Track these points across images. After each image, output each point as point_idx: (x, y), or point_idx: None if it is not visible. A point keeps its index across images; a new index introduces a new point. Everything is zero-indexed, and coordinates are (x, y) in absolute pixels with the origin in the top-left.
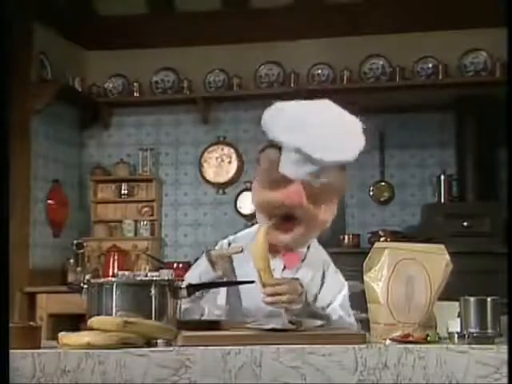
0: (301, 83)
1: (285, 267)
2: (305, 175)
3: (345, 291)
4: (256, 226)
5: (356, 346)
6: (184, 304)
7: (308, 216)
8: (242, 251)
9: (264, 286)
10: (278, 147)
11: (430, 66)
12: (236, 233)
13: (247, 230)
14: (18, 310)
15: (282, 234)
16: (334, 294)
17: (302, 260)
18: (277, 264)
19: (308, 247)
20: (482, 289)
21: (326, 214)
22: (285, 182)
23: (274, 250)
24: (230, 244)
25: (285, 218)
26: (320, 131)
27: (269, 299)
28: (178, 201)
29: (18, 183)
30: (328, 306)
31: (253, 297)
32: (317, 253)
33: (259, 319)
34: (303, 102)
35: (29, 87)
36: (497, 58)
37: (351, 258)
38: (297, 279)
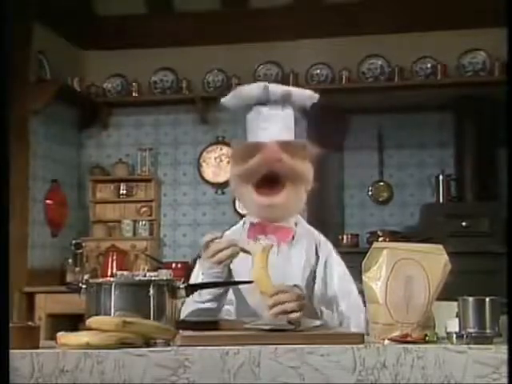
0: (300, 83)
1: (279, 244)
2: (277, 132)
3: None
4: (240, 222)
5: (354, 345)
6: (205, 303)
7: (290, 171)
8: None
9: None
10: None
11: (429, 65)
12: (225, 231)
13: (234, 228)
14: (16, 309)
15: (272, 196)
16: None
17: (293, 237)
18: (271, 241)
19: (295, 224)
20: (481, 289)
21: (306, 169)
22: (258, 147)
23: (263, 231)
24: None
25: (269, 181)
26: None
27: (275, 310)
28: (176, 201)
29: (16, 183)
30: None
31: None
32: (305, 228)
33: (260, 317)
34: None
35: (27, 87)
36: (496, 57)
37: (350, 257)
38: (296, 286)
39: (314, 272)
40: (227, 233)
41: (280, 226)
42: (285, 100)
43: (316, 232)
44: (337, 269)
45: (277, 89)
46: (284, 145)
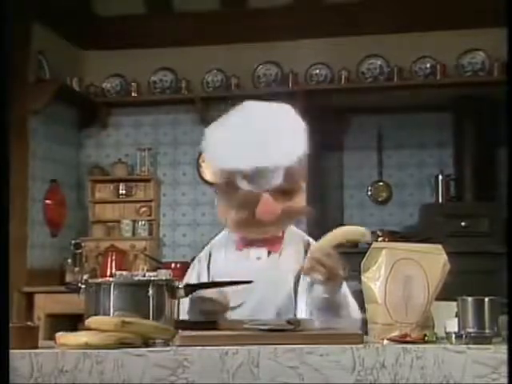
0: (299, 83)
1: (269, 252)
2: (265, 183)
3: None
4: (225, 233)
5: (354, 345)
6: None
7: (285, 216)
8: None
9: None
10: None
11: (428, 66)
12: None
13: (219, 237)
14: (15, 309)
15: (266, 227)
16: None
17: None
18: (261, 253)
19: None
20: (480, 289)
21: (300, 202)
22: (250, 196)
23: (252, 242)
24: (210, 254)
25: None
26: (262, 137)
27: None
28: (176, 201)
29: (15, 183)
30: None
31: None
32: (292, 231)
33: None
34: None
35: (27, 87)
36: (495, 58)
37: (349, 257)
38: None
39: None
40: (213, 242)
41: (268, 239)
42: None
43: (303, 234)
44: None
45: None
46: (275, 193)
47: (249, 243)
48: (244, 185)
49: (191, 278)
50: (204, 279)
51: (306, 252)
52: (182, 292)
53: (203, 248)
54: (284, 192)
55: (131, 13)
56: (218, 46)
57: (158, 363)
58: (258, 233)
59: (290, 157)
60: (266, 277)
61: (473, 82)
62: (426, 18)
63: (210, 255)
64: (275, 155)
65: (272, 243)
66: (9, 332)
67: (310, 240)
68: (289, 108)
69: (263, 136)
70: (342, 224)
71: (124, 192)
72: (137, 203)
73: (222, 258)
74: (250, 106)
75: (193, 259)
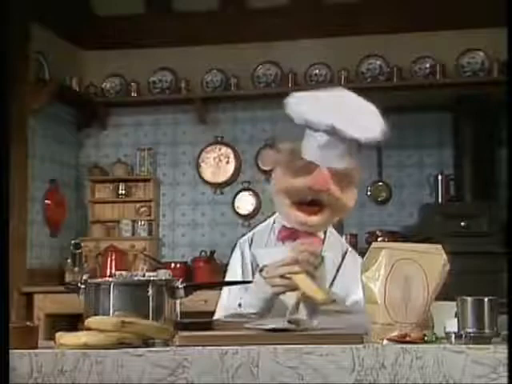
0: (298, 83)
1: None
2: (331, 159)
3: None
4: (270, 219)
5: (353, 346)
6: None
7: (334, 200)
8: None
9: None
10: (277, 147)
11: (428, 66)
12: (253, 228)
13: (262, 225)
14: (15, 310)
15: (308, 215)
16: (353, 282)
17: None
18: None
19: (325, 232)
20: (480, 289)
21: (349, 198)
22: (309, 167)
23: (295, 236)
24: (252, 241)
25: (310, 203)
26: (347, 111)
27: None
28: (175, 201)
29: (15, 183)
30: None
31: None
32: (334, 235)
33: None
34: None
35: (26, 87)
36: (494, 58)
37: None
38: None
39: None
40: (258, 228)
41: (311, 234)
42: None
43: (343, 241)
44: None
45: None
46: (335, 174)
47: (289, 235)
48: (310, 154)
49: (235, 261)
50: (247, 263)
51: (343, 256)
52: (181, 292)
53: (203, 248)
54: (339, 180)
55: (131, 13)
56: (217, 46)
57: (158, 363)
58: (301, 218)
59: (369, 132)
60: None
61: (472, 82)
62: (426, 18)
63: (252, 241)
64: (356, 126)
65: (311, 241)
66: (9, 332)
67: (349, 249)
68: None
69: (348, 108)
70: (341, 224)
71: (123, 192)
72: (136, 203)
73: (261, 247)
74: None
75: (192, 259)
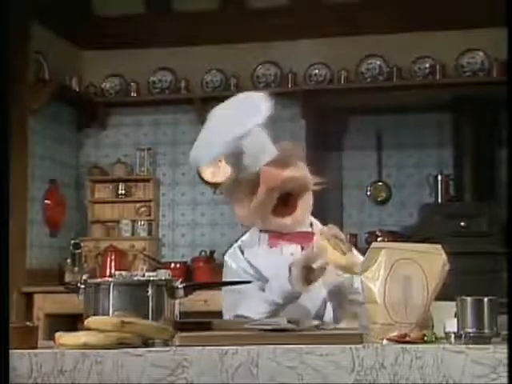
0: (298, 83)
1: (303, 248)
2: (258, 157)
3: None
4: (255, 231)
5: (353, 345)
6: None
7: (294, 181)
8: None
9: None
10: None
11: (427, 66)
12: (241, 236)
13: (248, 235)
14: (14, 310)
15: (283, 217)
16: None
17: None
18: (294, 249)
19: (311, 225)
20: (479, 289)
21: (304, 173)
22: (254, 179)
23: (286, 239)
24: (241, 249)
25: (283, 201)
26: (227, 120)
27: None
28: (175, 201)
29: (15, 183)
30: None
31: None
32: (318, 227)
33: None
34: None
35: (26, 87)
36: (494, 57)
37: None
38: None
39: None
40: (244, 238)
41: (297, 232)
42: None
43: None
44: None
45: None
46: (277, 162)
47: (280, 239)
48: (241, 171)
49: (232, 273)
50: (248, 271)
51: None
52: (181, 292)
53: (203, 248)
54: (280, 165)
55: (130, 13)
56: (217, 46)
57: (157, 363)
58: (277, 222)
59: (259, 114)
60: None
61: (472, 82)
62: (425, 18)
63: (242, 253)
64: (237, 126)
65: (303, 238)
66: (9, 332)
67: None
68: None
69: (225, 121)
70: (341, 224)
71: (123, 192)
72: (136, 203)
73: (255, 256)
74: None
75: (192, 259)
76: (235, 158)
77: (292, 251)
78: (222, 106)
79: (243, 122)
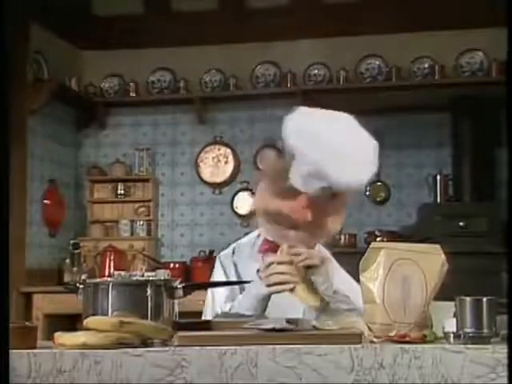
0: (297, 83)
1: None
2: (315, 190)
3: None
4: (254, 233)
5: (352, 345)
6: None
7: (312, 228)
8: None
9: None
10: (277, 148)
11: (427, 66)
12: (236, 240)
13: (248, 237)
14: (14, 309)
15: (288, 229)
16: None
17: None
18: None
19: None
20: (478, 289)
21: (334, 223)
22: (293, 192)
23: (276, 249)
24: (234, 251)
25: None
26: (337, 149)
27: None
28: (174, 201)
29: (14, 183)
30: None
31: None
32: (319, 251)
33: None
34: (324, 112)
35: (25, 87)
36: (493, 58)
37: (347, 257)
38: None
39: None
40: (243, 240)
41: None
42: None
43: (327, 253)
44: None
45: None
46: (317, 202)
47: (273, 249)
48: (295, 179)
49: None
50: (232, 276)
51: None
52: (180, 292)
53: (202, 248)
54: (326, 206)
55: (130, 13)
56: (216, 46)
57: (156, 363)
58: (283, 236)
59: (359, 178)
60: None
61: (471, 82)
62: (425, 19)
63: (233, 252)
64: (346, 175)
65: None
66: (8, 332)
67: (328, 256)
68: (354, 121)
69: (341, 150)
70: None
71: (122, 192)
72: (135, 203)
73: (244, 259)
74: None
75: (191, 259)
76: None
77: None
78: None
79: (355, 173)
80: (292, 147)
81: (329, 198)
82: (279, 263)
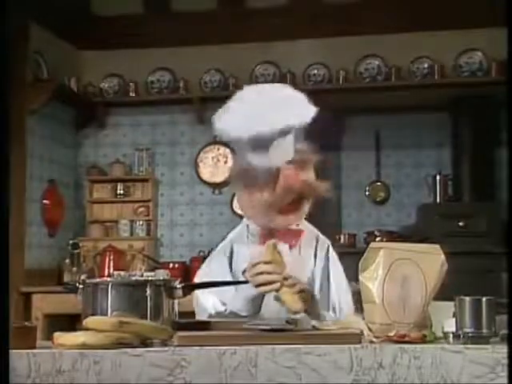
0: (297, 83)
1: (290, 247)
2: (281, 155)
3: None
4: (243, 227)
5: (351, 345)
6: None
7: (308, 187)
8: None
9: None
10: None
11: (426, 66)
12: (228, 233)
13: (236, 231)
14: (13, 310)
15: (286, 215)
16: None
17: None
18: (283, 248)
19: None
20: (478, 289)
21: (315, 180)
22: (270, 175)
23: (273, 236)
24: (232, 250)
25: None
26: (270, 107)
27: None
28: (173, 201)
29: (13, 183)
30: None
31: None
32: (305, 226)
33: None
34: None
35: (24, 87)
36: (492, 58)
37: (347, 257)
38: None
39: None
40: (230, 235)
41: (288, 229)
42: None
43: (313, 228)
44: (333, 269)
45: (273, 127)
46: (295, 164)
47: (271, 235)
48: (256, 160)
49: (211, 271)
50: (226, 273)
51: (315, 249)
52: (179, 292)
53: (201, 248)
54: (298, 167)
55: (129, 13)
56: (215, 46)
57: (156, 363)
58: (280, 220)
59: (299, 118)
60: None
61: (470, 82)
62: (424, 19)
63: (232, 250)
64: (282, 119)
65: (291, 237)
66: (9, 332)
67: (321, 237)
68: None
69: (269, 105)
70: (340, 224)
71: (122, 192)
72: (134, 203)
73: (246, 254)
74: (251, 88)
75: (191, 259)
76: (258, 147)
77: (281, 250)
78: (261, 89)
79: (290, 115)
80: (227, 135)
81: (298, 166)
82: (265, 263)
